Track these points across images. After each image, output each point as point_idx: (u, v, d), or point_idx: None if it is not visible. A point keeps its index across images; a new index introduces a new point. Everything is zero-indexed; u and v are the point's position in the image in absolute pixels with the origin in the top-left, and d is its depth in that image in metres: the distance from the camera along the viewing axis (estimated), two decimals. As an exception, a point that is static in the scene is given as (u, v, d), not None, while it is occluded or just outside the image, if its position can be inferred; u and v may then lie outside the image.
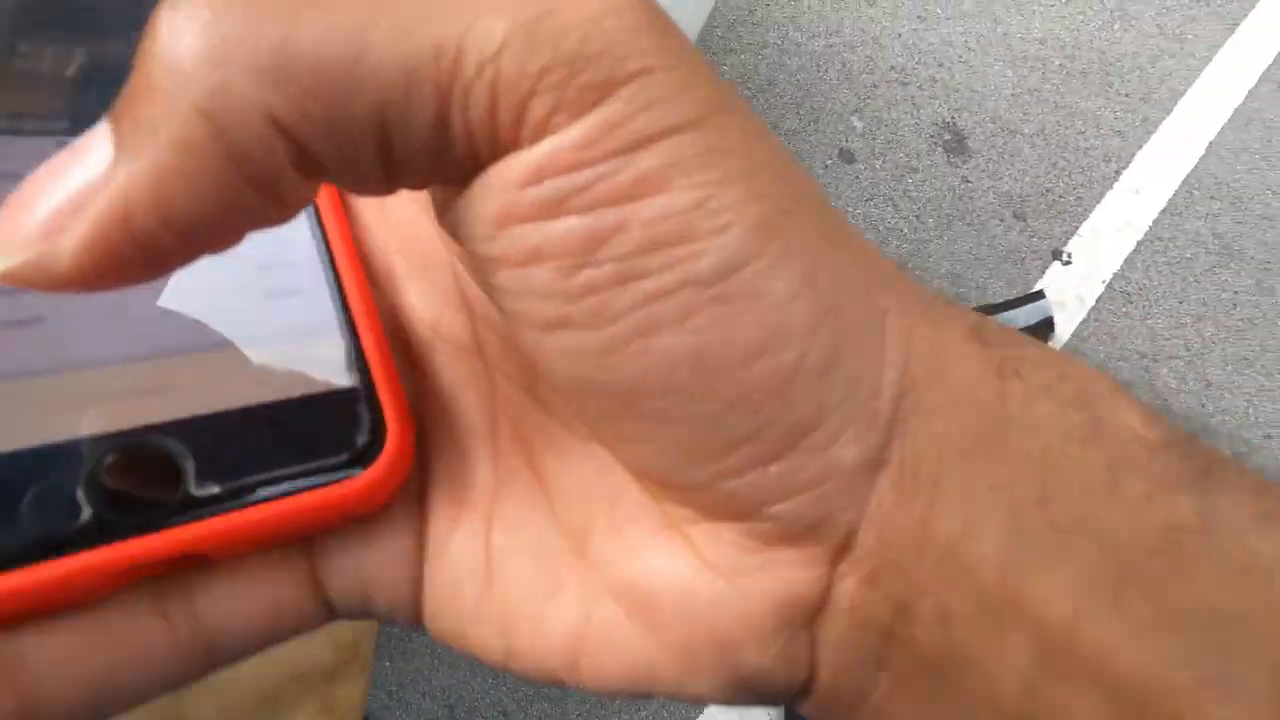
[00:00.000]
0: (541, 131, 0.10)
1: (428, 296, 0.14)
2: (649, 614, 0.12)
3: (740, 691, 0.12)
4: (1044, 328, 1.15)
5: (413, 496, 0.13)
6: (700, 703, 0.13)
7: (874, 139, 1.32)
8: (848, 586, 0.11)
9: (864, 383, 0.11)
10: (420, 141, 0.10)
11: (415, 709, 1.04)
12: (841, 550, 0.11)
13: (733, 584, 0.11)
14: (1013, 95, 1.40)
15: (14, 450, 0.10)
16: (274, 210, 0.10)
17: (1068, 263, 1.26)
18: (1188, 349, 1.21)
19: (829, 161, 1.29)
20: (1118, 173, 1.35)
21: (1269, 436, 1.17)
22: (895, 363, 0.11)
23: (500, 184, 0.10)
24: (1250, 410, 1.18)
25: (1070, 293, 1.24)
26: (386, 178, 0.11)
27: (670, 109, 0.10)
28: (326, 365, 0.13)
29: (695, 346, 0.10)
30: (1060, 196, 1.31)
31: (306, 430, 0.12)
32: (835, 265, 0.11)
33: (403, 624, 0.13)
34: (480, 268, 0.11)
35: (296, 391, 0.12)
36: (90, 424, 0.11)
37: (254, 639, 0.12)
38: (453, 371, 0.14)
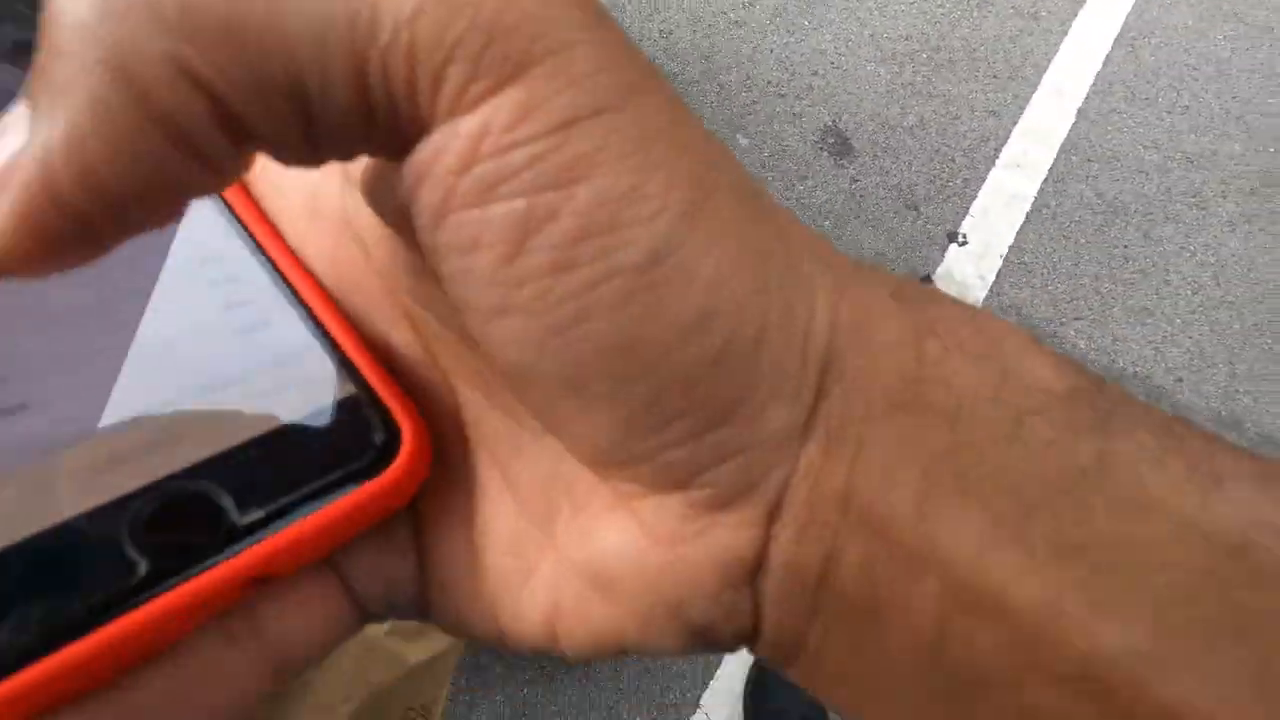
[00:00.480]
0: (460, 102, 0.10)
1: (371, 314, 0.14)
2: (608, 588, 0.13)
3: (695, 644, 0.13)
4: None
5: (409, 519, 0.14)
6: (664, 656, 0.14)
7: (761, 153, 1.34)
8: (781, 545, 0.12)
9: (791, 354, 0.12)
10: (339, 107, 0.10)
11: None
12: (774, 511, 0.12)
13: (678, 551, 0.12)
14: (888, 92, 1.44)
15: (46, 529, 0.11)
16: (203, 176, 0.10)
17: (964, 243, 1.29)
18: (1090, 309, 1.24)
19: (720, 181, 1.30)
20: (997, 150, 1.39)
21: (1180, 380, 1.20)
22: (819, 333, 0.12)
23: (434, 175, 0.10)
24: (1158, 357, 1.21)
25: (971, 272, 1.27)
26: (311, 146, 0.11)
27: (593, 88, 0.10)
28: (322, 382, 0.13)
29: (630, 332, 0.11)
30: (947, 181, 1.35)
31: (325, 443, 0.13)
32: (761, 243, 0.12)
33: (413, 615, 0.14)
34: (428, 258, 0.12)
35: (303, 412, 0.13)
36: (118, 486, 0.11)
37: (313, 649, 0.13)
38: (414, 382, 0.14)
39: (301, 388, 0.13)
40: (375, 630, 0.46)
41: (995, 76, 1.47)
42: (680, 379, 0.11)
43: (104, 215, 0.10)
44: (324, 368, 0.13)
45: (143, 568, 0.11)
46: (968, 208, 1.32)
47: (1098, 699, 0.11)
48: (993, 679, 0.11)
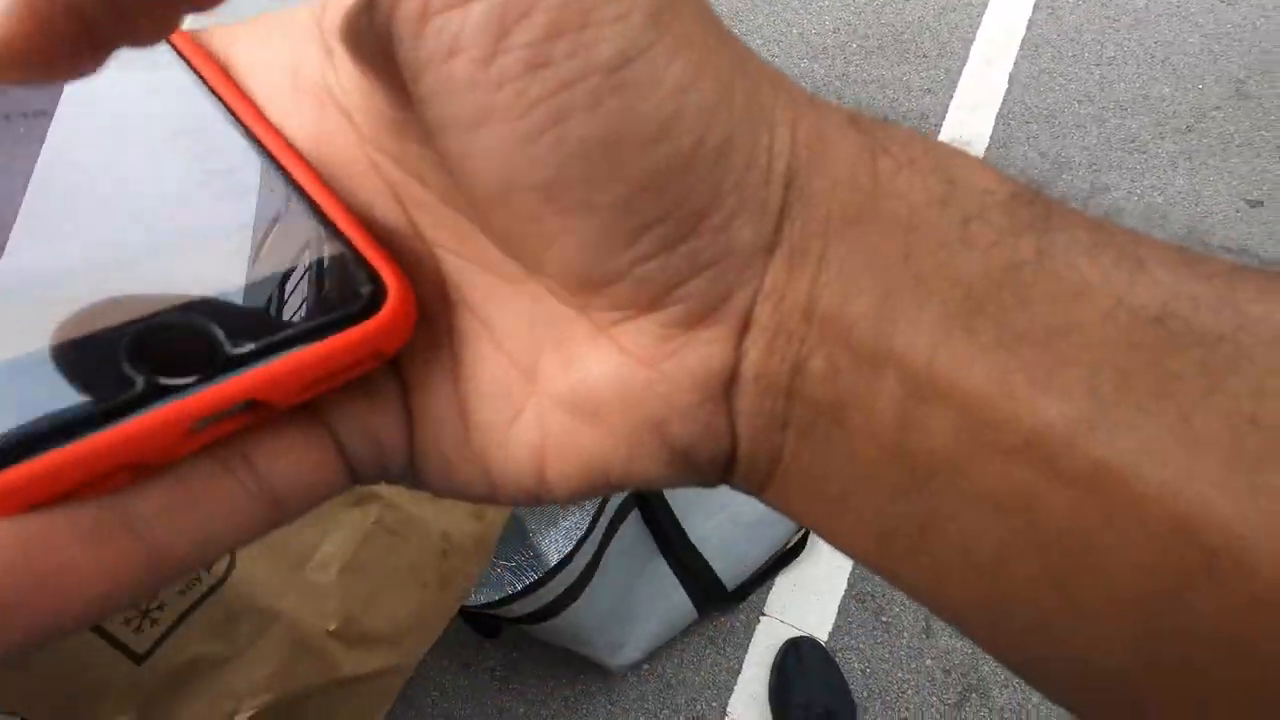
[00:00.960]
0: None
1: (355, 184, 0.15)
2: (593, 413, 0.14)
3: (678, 468, 0.14)
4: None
5: (391, 373, 0.14)
6: (649, 486, 0.14)
7: (708, 161, 1.36)
8: (752, 358, 0.13)
9: (754, 172, 0.12)
10: None
11: None
12: (744, 326, 0.13)
13: (657, 370, 0.13)
14: (824, 85, 1.47)
15: (49, 345, 0.11)
16: None
17: (919, 220, 1.31)
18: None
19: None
20: (938, 126, 1.42)
21: (1148, 320, 1.22)
22: (782, 153, 0.13)
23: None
24: (1123, 302, 1.23)
25: (929, 246, 1.29)
26: None
27: None
28: (306, 239, 0.14)
29: (604, 132, 0.11)
30: (894, 162, 1.37)
31: (311, 293, 0.13)
32: (725, 58, 0.12)
33: (396, 480, 0.15)
34: (409, 81, 0.12)
35: (288, 265, 0.13)
36: (115, 316, 0.12)
37: (308, 494, 0.13)
38: (397, 247, 0.14)
39: (285, 244, 0.14)
40: (316, 627, 0.44)
41: (925, 56, 1.51)
42: (650, 184, 0.12)
43: (105, 11, 0.10)
44: (307, 226, 0.14)
45: (140, 384, 0.11)
46: (917, 185, 1.35)
47: (1040, 465, 0.11)
48: (947, 462, 0.12)
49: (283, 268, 0.13)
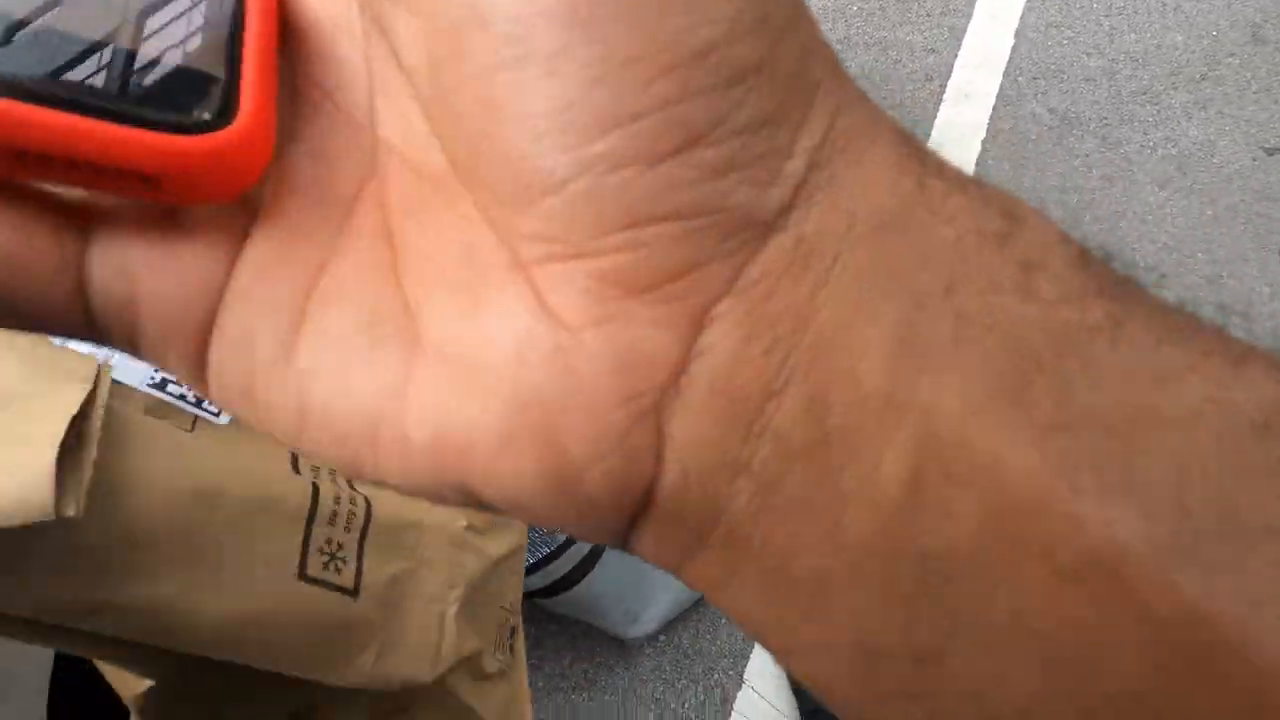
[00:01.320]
0: None
1: (328, 39, 0.12)
2: (474, 371, 0.10)
3: (558, 491, 0.10)
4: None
5: (233, 226, 0.11)
6: (513, 508, 0.10)
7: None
8: (710, 359, 0.10)
9: (778, 132, 0.10)
10: None
11: None
12: (705, 313, 0.10)
13: (574, 336, 0.10)
14: (826, 50, 1.45)
15: None
16: None
17: (925, 182, 1.29)
18: (1061, 223, 1.24)
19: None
20: (943, 87, 1.39)
21: (1163, 276, 1.20)
22: (815, 130, 0.10)
23: None
24: (1135, 257, 1.21)
25: (936, 209, 1.27)
26: None
27: None
28: (199, 26, 0.11)
29: None
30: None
31: (146, 82, 0.11)
32: (785, 9, 0.10)
33: (172, 367, 0.11)
34: None
35: (151, 51, 0.11)
36: None
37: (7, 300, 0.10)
38: (332, 121, 0.12)
39: (173, 25, 0.11)
40: (455, 525, 0.47)
41: (928, 15, 1.48)
42: (647, 58, 0.09)
43: None
44: (212, 17, 0.11)
45: None
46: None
47: (1107, 598, 0.09)
48: (971, 568, 0.09)
49: (151, 50, 0.11)
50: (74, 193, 0.11)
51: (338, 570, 0.40)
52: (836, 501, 0.10)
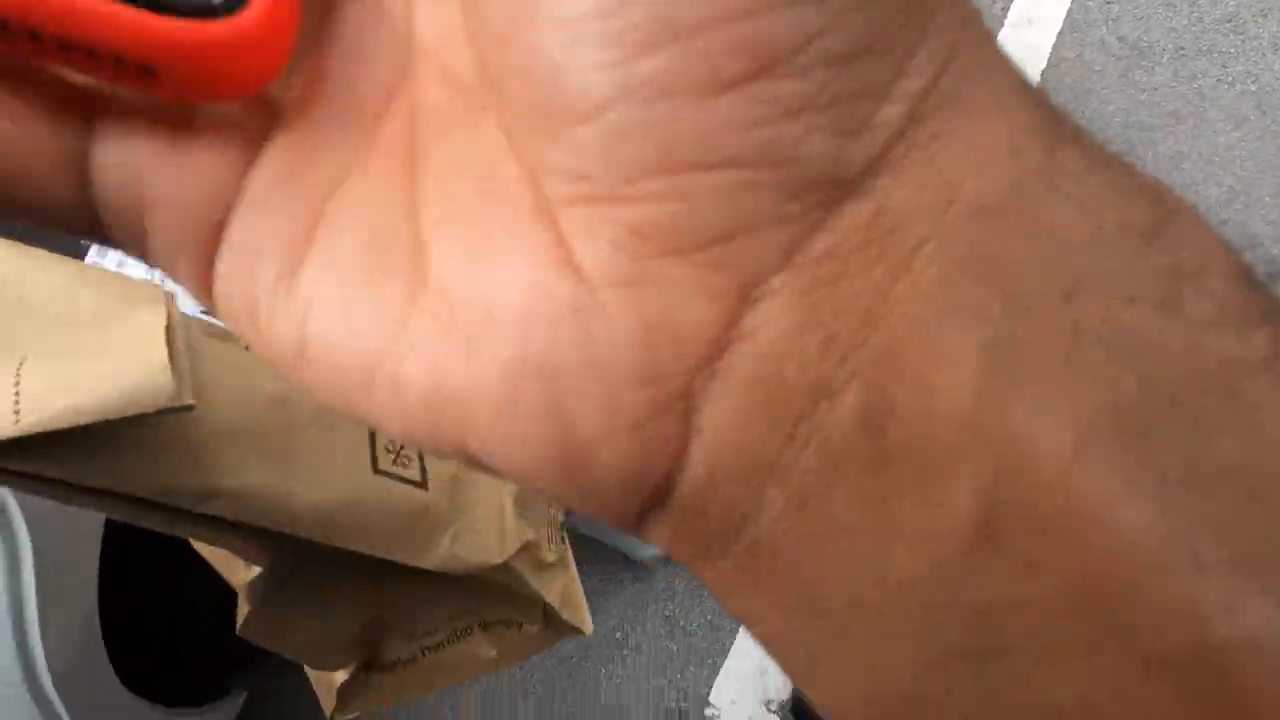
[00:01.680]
0: None
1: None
2: (476, 323, 0.09)
3: (564, 468, 0.09)
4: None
5: (250, 128, 0.10)
6: (520, 477, 0.09)
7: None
8: (750, 348, 0.08)
9: (877, 66, 0.08)
10: None
11: None
12: (755, 286, 0.08)
13: (595, 295, 0.09)
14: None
15: None
16: None
17: (977, 113, 1.23)
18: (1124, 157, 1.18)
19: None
20: (1005, 10, 1.31)
21: (1224, 221, 1.13)
22: (923, 69, 0.08)
23: None
24: (1197, 198, 1.14)
25: (985, 141, 1.21)
26: None
27: None
28: None
29: None
30: (954, 51, 1.28)
31: None
32: None
33: (182, 278, 0.10)
34: None
35: None
36: None
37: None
38: (365, 13, 0.10)
39: None
40: None
41: (997, -69, 1.38)
42: None
43: None
44: None
45: None
46: (978, 75, 1.26)
47: (1205, 698, 0.07)
48: (1043, 637, 0.08)
49: None
50: (79, 80, 0.10)
51: (405, 465, 0.44)
52: (888, 532, 0.08)
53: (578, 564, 1.28)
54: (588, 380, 0.09)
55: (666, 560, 1.16)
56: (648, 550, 1.09)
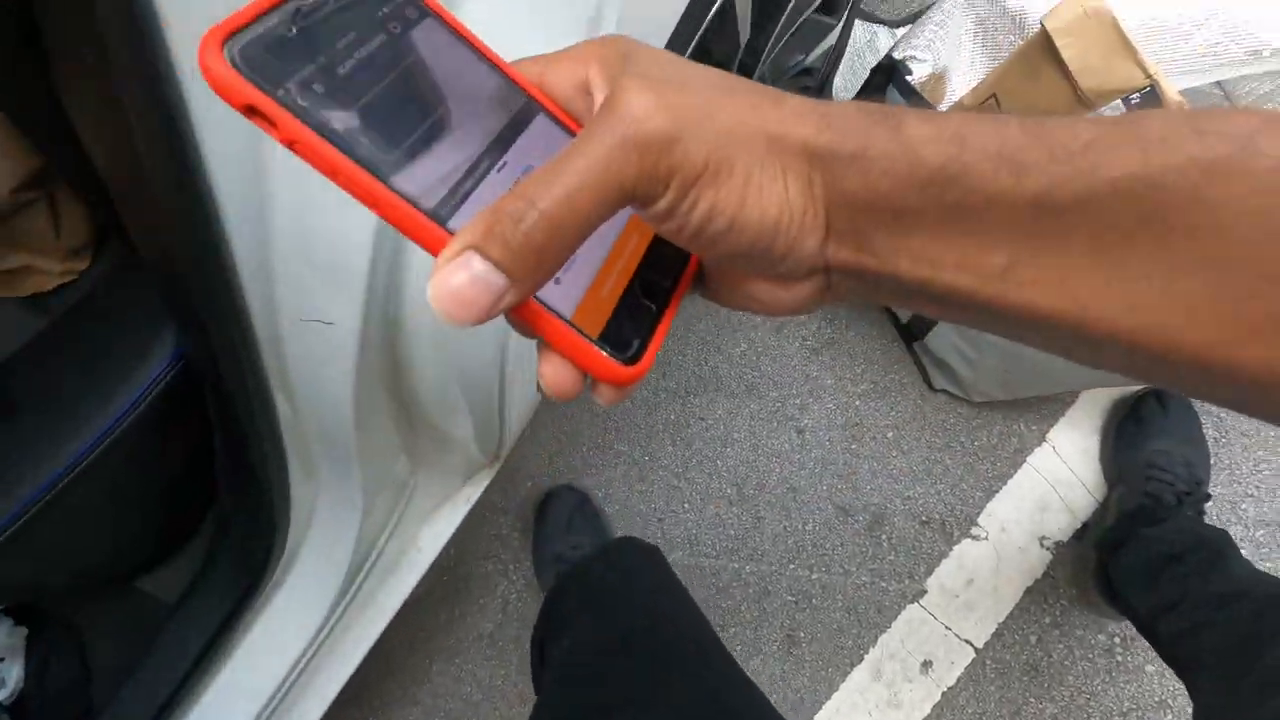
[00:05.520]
0: (651, 201, 0.19)
1: None
2: (764, 304, 0.23)
3: (790, 187, 0.20)
4: None
5: None
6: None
7: None
8: (834, 279, 0.22)
9: (807, 220, 0.20)
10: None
11: (703, 488, 1.11)
12: (825, 273, 0.22)
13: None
14: None
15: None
16: None
17: None
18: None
19: None
20: None
21: None
22: (819, 199, 0.20)
23: (646, 216, 0.20)
24: None
25: None
26: None
27: (691, 178, 0.19)
28: None
29: (731, 250, 0.20)
30: None
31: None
32: (780, 184, 0.20)
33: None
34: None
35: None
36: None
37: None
38: None
39: (646, 229, 0.24)
40: None
41: None
42: (759, 256, 0.21)
43: None
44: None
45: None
46: None
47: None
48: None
49: None
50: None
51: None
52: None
53: (858, 357, 1.20)
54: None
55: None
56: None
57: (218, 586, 0.68)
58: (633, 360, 0.21)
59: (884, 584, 1.08)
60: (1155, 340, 0.17)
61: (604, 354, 0.20)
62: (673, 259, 0.23)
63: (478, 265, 0.17)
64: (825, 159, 0.19)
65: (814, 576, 1.09)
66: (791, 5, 0.79)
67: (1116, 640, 1.03)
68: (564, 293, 0.21)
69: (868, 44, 1.14)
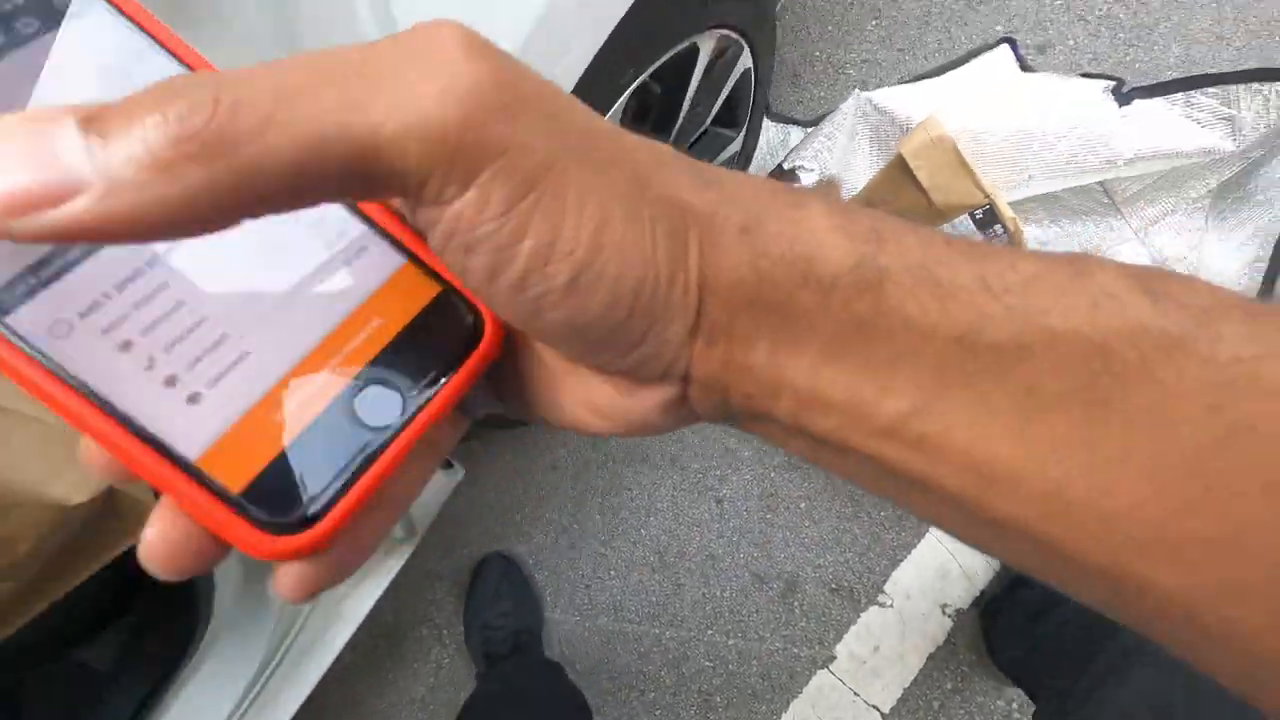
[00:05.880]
0: (441, 198, 0.15)
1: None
2: (600, 412, 0.20)
3: (667, 415, 0.20)
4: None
5: None
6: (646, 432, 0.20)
7: None
8: (693, 395, 0.19)
9: (677, 289, 0.17)
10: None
11: (628, 555, 1.17)
12: (686, 378, 0.18)
13: (633, 399, 0.19)
14: None
15: (314, 421, 0.17)
16: None
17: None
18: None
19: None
20: None
21: None
22: (694, 268, 0.17)
23: (434, 237, 0.16)
24: None
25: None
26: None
27: (521, 179, 0.15)
28: (421, 289, 0.19)
29: (568, 319, 0.16)
30: None
31: (439, 328, 0.18)
32: (647, 225, 0.16)
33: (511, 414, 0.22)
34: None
35: (417, 310, 0.19)
36: (332, 386, 0.17)
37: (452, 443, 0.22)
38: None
39: (409, 294, 0.19)
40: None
41: None
42: (607, 332, 0.17)
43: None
44: (419, 278, 0.19)
45: (369, 433, 0.17)
46: None
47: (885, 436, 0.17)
48: (827, 442, 0.18)
49: (415, 312, 0.19)
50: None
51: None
52: (768, 434, 0.20)
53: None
54: (652, 416, 0.19)
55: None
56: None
57: (145, 657, 0.73)
58: (304, 523, 0.15)
59: (796, 650, 1.13)
60: (1069, 537, 0.15)
61: (241, 516, 0.15)
62: (443, 344, 0.18)
63: (70, 138, 0.12)
64: (705, 222, 0.16)
65: (730, 642, 1.14)
66: (681, 120, 0.87)
67: (1014, 705, 1.08)
68: (199, 417, 0.15)
69: (781, 143, 1.24)
